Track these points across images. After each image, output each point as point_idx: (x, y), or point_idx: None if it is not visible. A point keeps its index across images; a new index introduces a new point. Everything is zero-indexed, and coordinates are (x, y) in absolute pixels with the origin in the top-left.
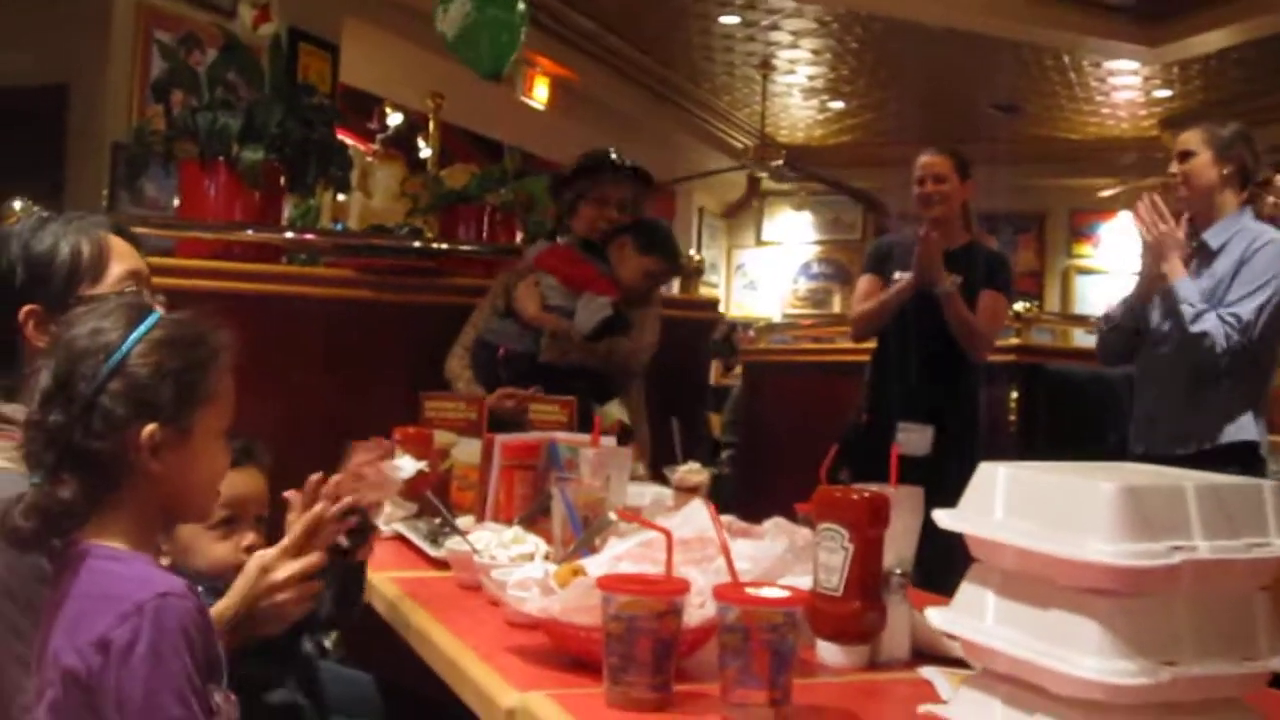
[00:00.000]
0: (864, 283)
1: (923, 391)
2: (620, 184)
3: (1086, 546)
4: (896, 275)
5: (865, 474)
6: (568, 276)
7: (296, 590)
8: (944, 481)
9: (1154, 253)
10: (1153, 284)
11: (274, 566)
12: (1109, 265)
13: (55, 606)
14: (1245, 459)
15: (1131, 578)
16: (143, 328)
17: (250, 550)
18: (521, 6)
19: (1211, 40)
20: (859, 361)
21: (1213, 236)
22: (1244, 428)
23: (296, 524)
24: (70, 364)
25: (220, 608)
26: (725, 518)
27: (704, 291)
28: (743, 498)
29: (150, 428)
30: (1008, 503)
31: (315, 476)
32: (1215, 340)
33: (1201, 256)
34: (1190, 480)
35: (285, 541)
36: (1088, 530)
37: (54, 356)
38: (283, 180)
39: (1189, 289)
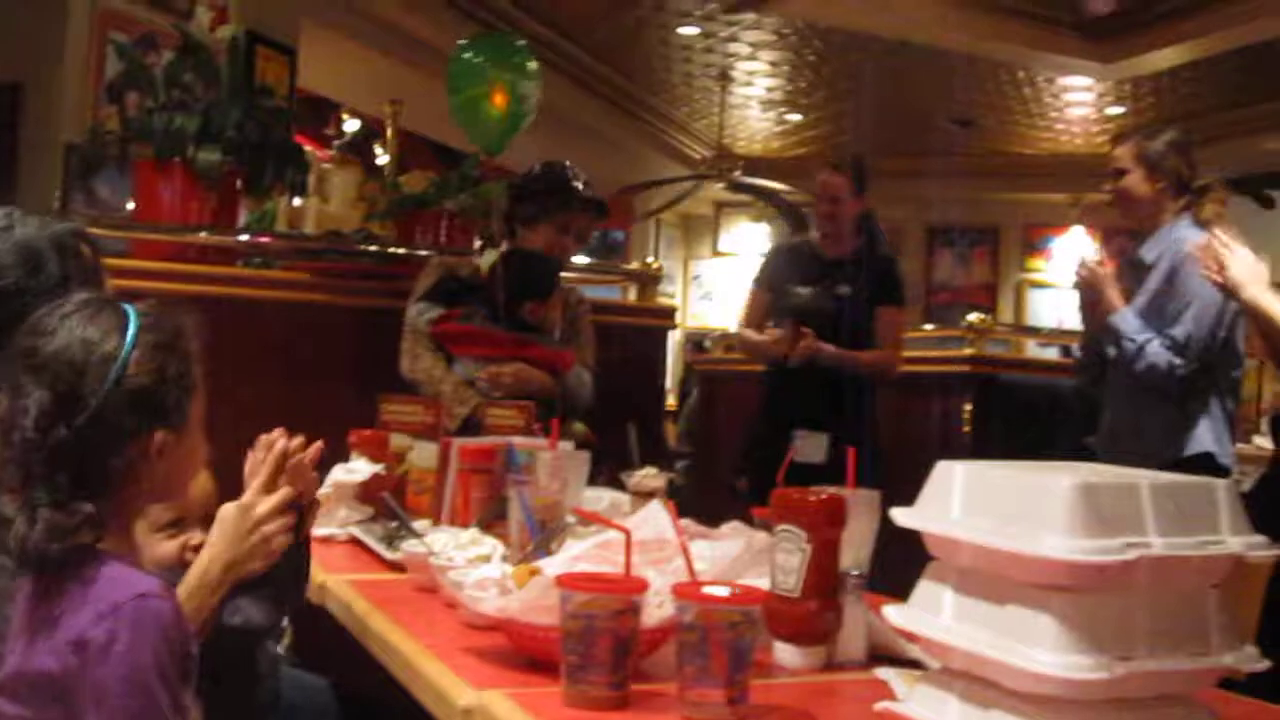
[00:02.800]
0: (751, 296)
1: (818, 400)
2: (583, 214)
3: (1043, 542)
4: (794, 290)
5: (764, 483)
6: (489, 356)
7: (279, 522)
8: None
9: (1087, 293)
10: (1097, 320)
11: (254, 503)
12: (1061, 279)
13: (43, 613)
14: (1204, 472)
15: (1087, 573)
16: (132, 332)
17: (199, 549)
18: (534, 66)
19: (1163, 58)
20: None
21: (1147, 250)
22: (1201, 440)
23: (265, 463)
24: (71, 379)
25: (204, 562)
26: (683, 520)
27: (660, 301)
28: (698, 507)
29: (161, 434)
30: (965, 500)
31: (267, 435)
32: (1161, 369)
33: (1138, 272)
34: (1145, 478)
35: (256, 483)
36: (1044, 526)
37: (42, 372)
38: (239, 183)
39: (1127, 322)
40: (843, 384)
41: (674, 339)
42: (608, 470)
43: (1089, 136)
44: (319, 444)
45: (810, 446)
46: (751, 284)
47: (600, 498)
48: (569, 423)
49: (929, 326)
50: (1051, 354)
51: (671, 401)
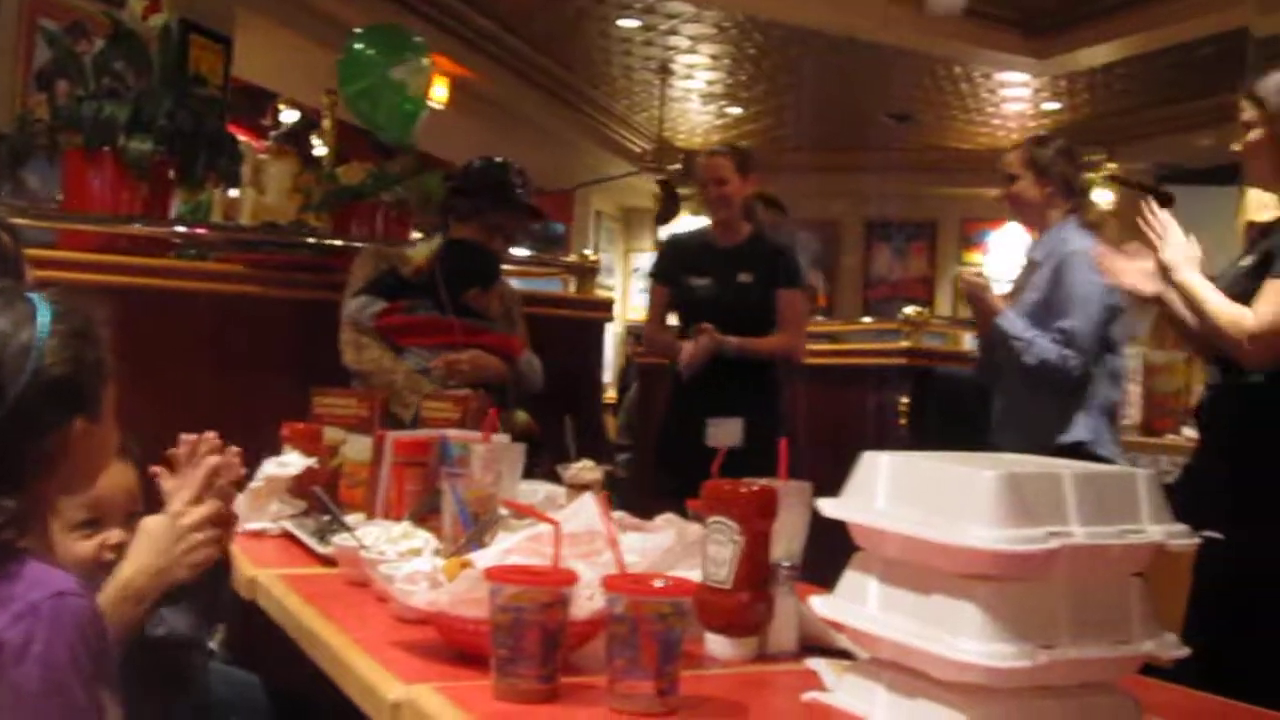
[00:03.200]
0: (651, 293)
1: (726, 388)
2: (515, 217)
3: (967, 532)
4: (693, 282)
5: (683, 473)
6: (442, 345)
7: (207, 533)
8: (759, 473)
9: (971, 301)
10: (985, 325)
11: (183, 513)
12: (998, 273)
13: None
14: (1078, 460)
15: (1010, 563)
16: (45, 321)
17: (118, 549)
18: (426, 62)
19: (1098, 54)
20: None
21: (1035, 251)
22: (1075, 430)
23: (194, 476)
24: None
25: (128, 572)
26: (617, 513)
27: (599, 293)
28: (638, 499)
29: (80, 423)
30: (890, 491)
31: (190, 436)
32: (1053, 363)
33: (1029, 271)
34: (1068, 469)
35: (185, 494)
36: (968, 517)
37: None
38: (171, 173)
39: (1011, 323)
40: (749, 370)
41: (614, 332)
42: (547, 462)
43: (1025, 132)
44: (240, 468)
45: (724, 432)
46: (650, 279)
47: (536, 490)
48: (511, 413)
49: (867, 320)
50: None
51: (612, 394)
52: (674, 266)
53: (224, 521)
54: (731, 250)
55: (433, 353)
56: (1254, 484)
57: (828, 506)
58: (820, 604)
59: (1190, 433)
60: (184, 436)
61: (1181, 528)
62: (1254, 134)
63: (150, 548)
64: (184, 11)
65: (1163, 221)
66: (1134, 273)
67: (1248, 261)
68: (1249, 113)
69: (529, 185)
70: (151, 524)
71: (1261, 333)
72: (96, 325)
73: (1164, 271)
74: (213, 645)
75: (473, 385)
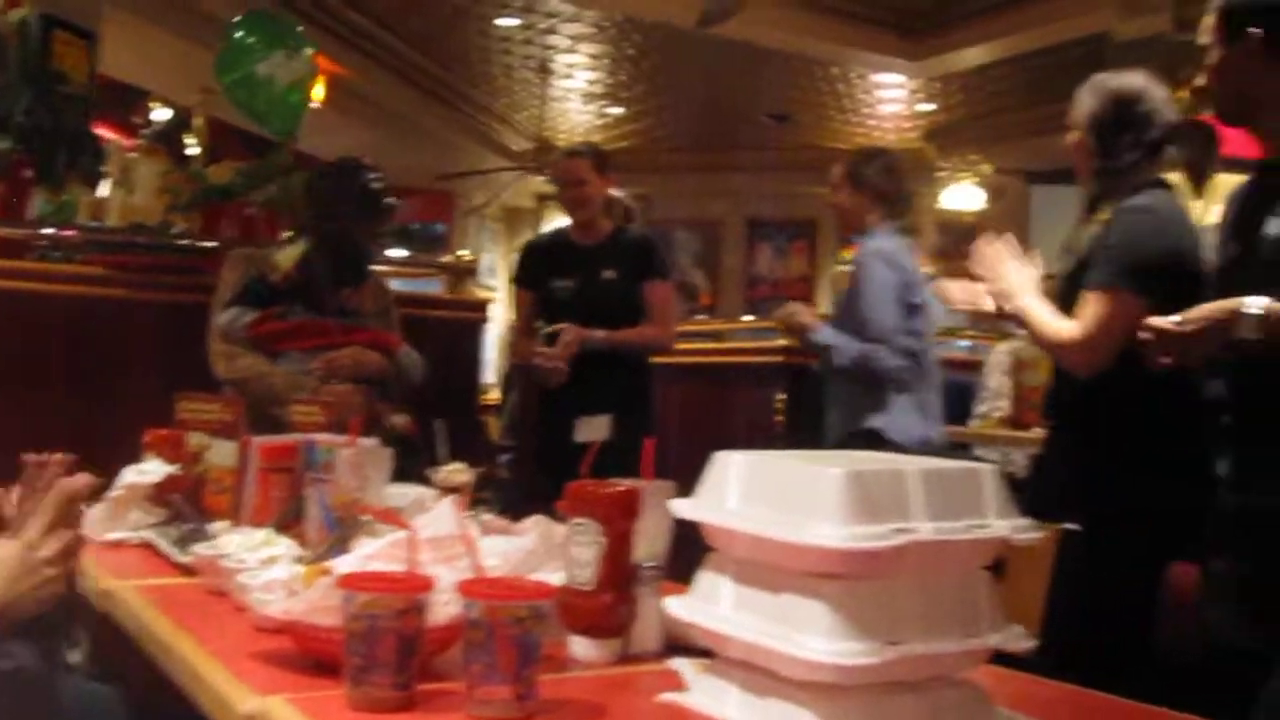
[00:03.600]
0: (516, 297)
1: (595, 383)
2: (370, 216)
3: (811, 530)
4: (555, 283)
5: (556, 473)
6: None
7: (62, 565)
8: (630, 467)
9: (790, 332)
10: (806, 343)
11: (38, 544)
12: None
13: None
14: (869, 447)
15: (856, 560)
16: None
17: None
18: (307, 52)
19: (971, 56)
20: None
21: (852, 259)
22: (869, 419)
23: (47, 502)
24: None
25: None
26: (486, 516)
27: (477, 293)
28: (520, 501)
29: None
30: (741, 491)
31: (34, 458)
32: (857, 359)
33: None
34: (914, 464)
35: (40, 522)
36: (815, 515)
37: None
38: (29, 172)
39: (823, 335)
40: (618, 366)
41: (496, 333)
42: (424, 464)
43: (901, 132)
44: (89, 481)
45: (592, 428)
46: (512, 285)
47: (406, 494)
48: (390, 411)
49: (748, 318)
50: None
51: (496, 395)
52: (536, 269)
53: (74, 551)
54: (593, 248)
55: (310, 355)
56: (1095, 475)
57: (681, 507)
58: (676, 605)
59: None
60: (29, 457)
61: (1026, 521)
62: (1071, 136)
63: (2, 578)
64: (46, 6)
65: (993, 255)
66: (970, 295)
67: (1068, 266)
68: (1070, 115)
69: (383, 181)
70: (3, 552)
71: (1079, 344)
72: None
73: (1001, 300)
74: (75, 658)
75: (354, 381)
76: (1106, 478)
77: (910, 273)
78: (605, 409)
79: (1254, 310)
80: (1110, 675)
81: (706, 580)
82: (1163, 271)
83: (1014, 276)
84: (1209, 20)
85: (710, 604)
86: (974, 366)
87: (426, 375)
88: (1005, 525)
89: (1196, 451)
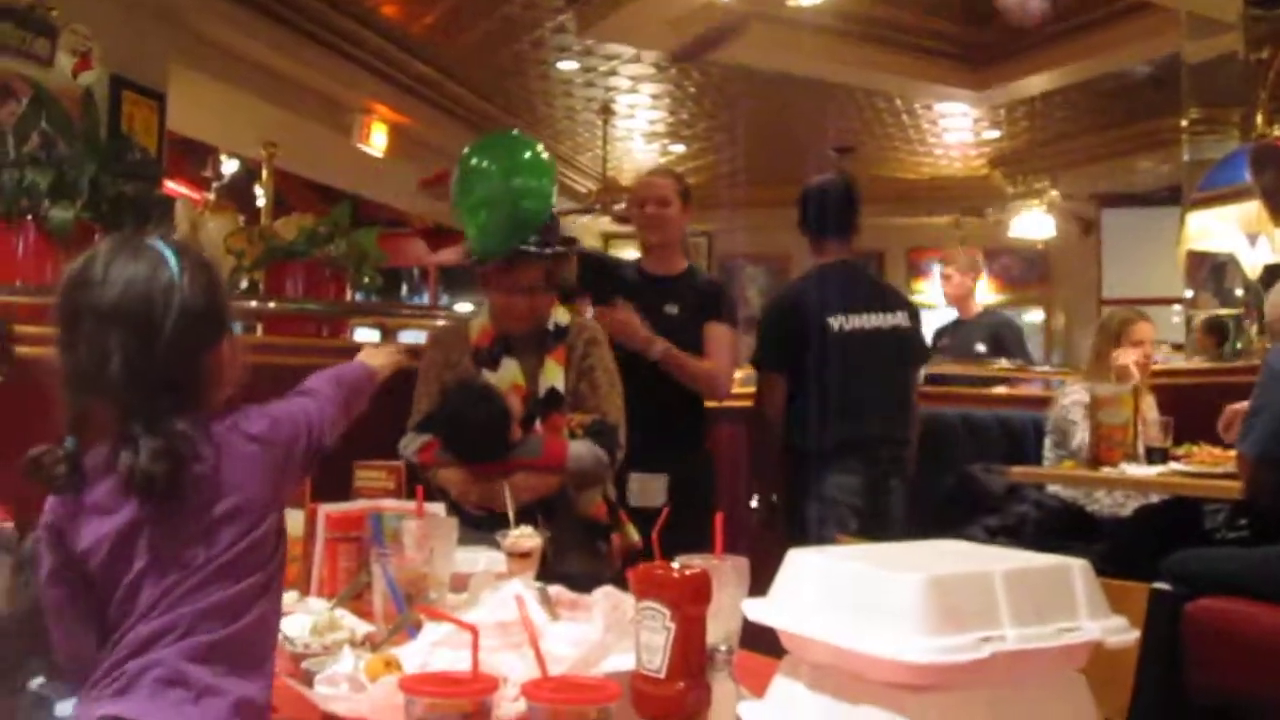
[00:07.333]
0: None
1: (654, 440)
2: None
3: (892, 643)
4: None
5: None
6: None
7: None
8: (682, 532)
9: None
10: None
11: None
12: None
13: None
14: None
15: (939, 674)
16: (175, 257)
17: None
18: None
19: (1035, 84)
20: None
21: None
22: None
23: None
24: (144, 313)
25: None
26: (553, 588)
27: None
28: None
29: (225, 339)
30: (816, 593)
31: None
32: None
33: None
34: (999, 564)
35: None
36: (894, 624)
37: (113, 316)
38: (98, 238)
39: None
40: (675, 416)
41: None
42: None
43: (967, 160)
44: None
45: (649, 492)
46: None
47: (475, 559)
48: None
49: None
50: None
51: None
52: (597, 278)
53: None
54: (663, 279)
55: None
56: None
57: (753, 609)
58: (749, 711)
59: (1132, 469)
60: None
61: (1119, 621)
62: None
63: None
64: (116, 68)
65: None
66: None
67: None
68: None
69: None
70: None
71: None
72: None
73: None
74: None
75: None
76: None
77: None
78: (662, 464)
79: None
80: None
81: (781, 686)
82: None
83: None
84: None
85: (785, 712)
86: (1046, 403)
87: (600, 460)
88: (1097, 627)
89: None
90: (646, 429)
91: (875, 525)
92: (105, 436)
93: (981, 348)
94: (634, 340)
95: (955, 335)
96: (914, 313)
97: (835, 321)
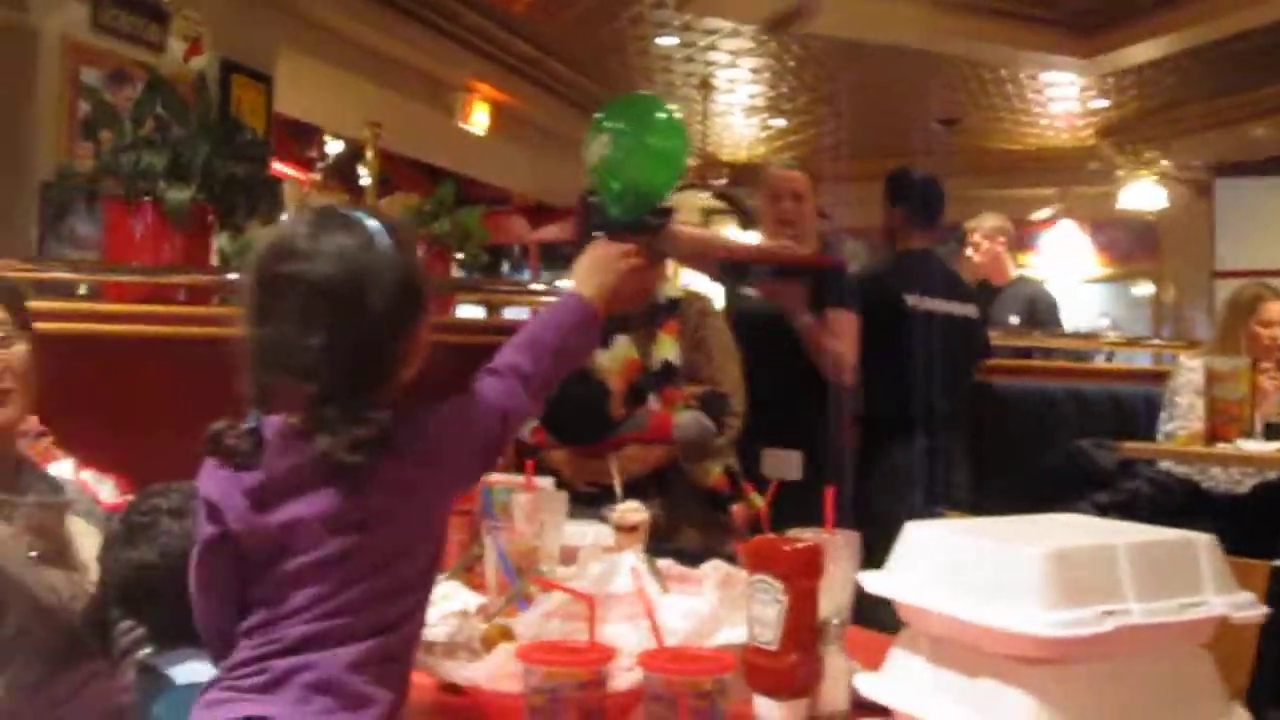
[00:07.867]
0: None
1: (787, 417)
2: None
3: (1014, 616)
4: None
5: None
6: None
7: None
8: (814, 507)
9: None
10: None
11: None
12: (1049, 273)
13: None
14: None
15: (1061, 647)
16: (382, 232)
17: None
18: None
19: (1144, 51)
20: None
21: None
22: None
23: None
24: (350, 289)
25: None
26: (663, 562)
27: None
28: None
29: (424, 319)
30: (934, 566)
31: None
32: None
33: None
34: (1121, 538)
35: None
36: (1016, 597)
37: (318, 290)
38: (211, 218)
39: None
40: (815, 398)
41: None
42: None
43: (1074, 130)
44: None
45: (783, 465)
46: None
47: (584, 533)
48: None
49: None
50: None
51: None
52: (734, 266)
53: None
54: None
55: None
56: None
57: (871, 581)
58: (867, 684)
59: (1249, 445)
60: None
61: (1247, 597)
62: None
63: None
64: (226, 52)
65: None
66: None
67: None
68: None
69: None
70: None
71: None
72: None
73: None
74: None
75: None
76: None
77: None
78: (794, 443)
79: None
80: None
81: (899, 658)
82: None
83: None
84: None
85: (904, 684)
86: (1158, 377)
87: (708, 429)
88: (1223, 602)
89: None
90: (780, 407)
91: (940, 500)
92: (283, 413)
93: (1014, 319)
94: (790, 302)
95: (988, 305)
96: (982, 309)
97: (911, 300)
